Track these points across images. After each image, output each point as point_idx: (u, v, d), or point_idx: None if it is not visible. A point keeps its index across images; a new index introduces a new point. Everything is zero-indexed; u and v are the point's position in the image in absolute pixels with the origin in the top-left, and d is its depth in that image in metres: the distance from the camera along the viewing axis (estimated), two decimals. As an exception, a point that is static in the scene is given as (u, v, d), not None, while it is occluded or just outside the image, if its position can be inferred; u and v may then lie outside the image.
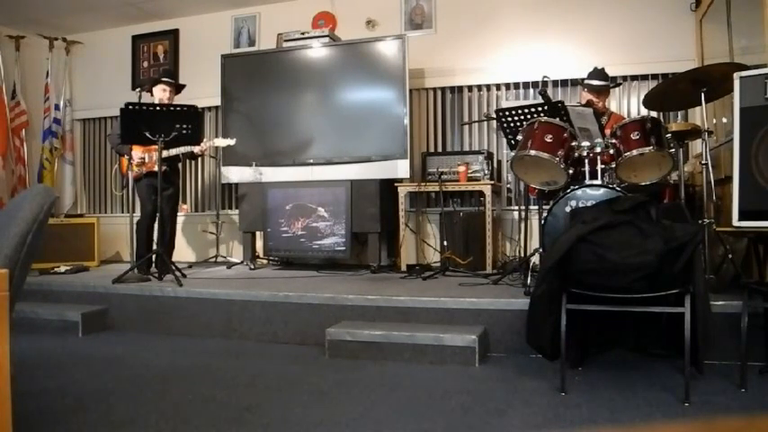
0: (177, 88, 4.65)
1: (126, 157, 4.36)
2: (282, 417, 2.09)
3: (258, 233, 5.06)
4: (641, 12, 4.68)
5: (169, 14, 5.92)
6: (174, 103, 4.45)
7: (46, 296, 3.92)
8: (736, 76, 2.63)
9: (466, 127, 5.23)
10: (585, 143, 3.08)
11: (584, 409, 2.11)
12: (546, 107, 3.35)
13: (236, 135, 4.96)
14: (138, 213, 4.50)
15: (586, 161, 3.08)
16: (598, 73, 3.86)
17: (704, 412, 2.04)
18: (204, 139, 4.45)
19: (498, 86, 5.14)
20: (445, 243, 4.39)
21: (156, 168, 4.19)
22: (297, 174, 4.80)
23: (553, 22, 4.88)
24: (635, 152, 2.92)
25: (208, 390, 2.41)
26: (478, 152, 4.74)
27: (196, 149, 4.36)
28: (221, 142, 4.59)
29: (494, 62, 5.04)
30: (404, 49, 4.58)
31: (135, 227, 4.40)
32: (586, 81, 3.84)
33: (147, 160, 4.37)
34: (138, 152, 4.34)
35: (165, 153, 4.13)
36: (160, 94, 4.47)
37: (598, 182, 3.01)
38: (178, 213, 4.81)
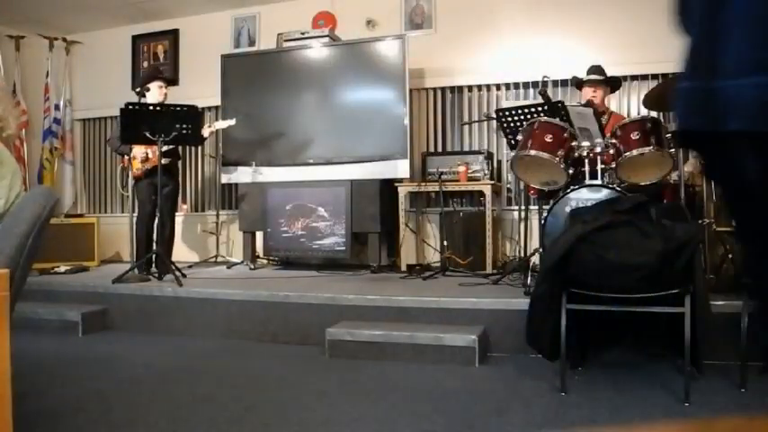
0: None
1: (127, 157, 4.37)
2: (282, 417, 2.09)
3: (258, 233, 5.06)
4: (641, 12, 4.67)
5: (169, 14, 5.91)
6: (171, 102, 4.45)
7: (46, 296, 3.91)
8: (736, 76, 2.62)
9: (466, 127, 5.22)
10: (585, 143, 3.08)
11: (584, 409, 2.11)
12: (546, 107, 3.35)
13: (236, 135, 4.97)
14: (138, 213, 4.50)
15: (586, 161, 3.08)
16: (593, 69, 3.88)
17: (704, 412, 2.04)
18: (205, 125, 4.46)
19: (498, 86, 5.13)
20: (445, 243, 4.39)
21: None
22: (297, 174, 4.80)
23: (553, 22, 4.88)
24: (635, 152, 2.92)
25: (208, 390, 2.41)
26: (478, 152, 4.74)
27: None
28: (222, 124, 4.58)
29: (494, 62, 5.04)
30: (404, 49, 4.58)
31: (134, 226, 4.40)
32: (586, 78, 3.86)
33: (150, 155, 4.37)
34: (140, 149, 4.34)
35: (165, 148, 4.14)
36: (157, 92, 4.45)
37: (598, 182, 3.01)
38: (177, 213, 4.81)
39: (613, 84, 3.94)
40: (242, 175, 4.97)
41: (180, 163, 4.76)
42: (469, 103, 5.24)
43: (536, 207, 3.98)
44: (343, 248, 4.63)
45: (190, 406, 2.21)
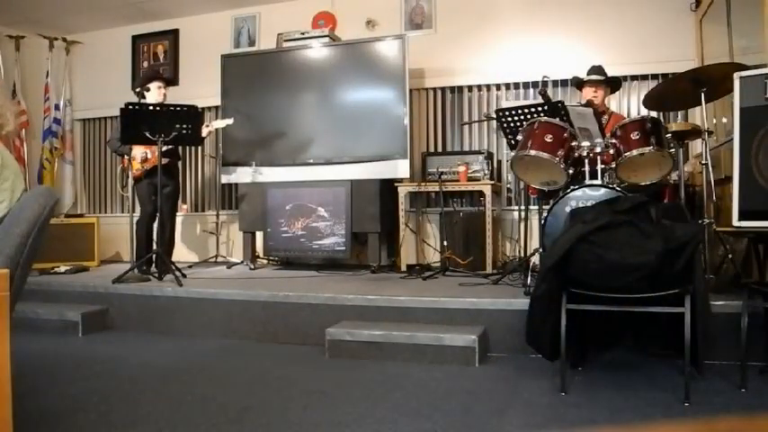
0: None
1: (127, 157, 4.37)
2: (282, 417, 2.09)
3: (258, 233, 5.06)
4: (641, 12, 4.68)
5: (169, 14, 5.92)
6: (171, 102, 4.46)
7: (46, 296, 3.91)
8: (736, 76, 2.63)
9: (466, 127, 5.23)
10: (585, 143, 3.08)
11: (584, 409, 2.11)
12: (546, 107, 3.35)
13: (236, 135, 4.98)
14: (138, 213, 4.50)
15: (586, 161, 3.08)
16: (594, 69, 3.88)
17: (704, 412, 2.04)
18: (204, 123, 4.47)
19: (498, 86, 5.14)
20: (445, 243, 4.39)
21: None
22: (297, 174, 4.80)
23: (553, 22, 4.88)
24: (635, 152, 2.92)
25: (208, 390, 2.41)
26: (478, 152, 4.74)
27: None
28: (219, 123, 4.60)
29: (494, 62, 5.04)
30: (404, 49, 4.58)
31: (135, 227, 4.40)
32: (586, 78, 3.86)
33: (149, 156, 4.37)
34: (140, 149, 4.34)
35: (165, 148, 4.13)
36: (156, 93, 4.45)
37: (598, 182, 3.01)
38: (177, 213, 4.81)
39: (614, 84, 3.94)
40: (242, 175, 4.96)
41: (180, 164, 4.76)
42: (469, 103, 5.24)
43: (536, 207, 3.98)
44: (343, 248, 4.63)
45: (190, 406, 2.21)
